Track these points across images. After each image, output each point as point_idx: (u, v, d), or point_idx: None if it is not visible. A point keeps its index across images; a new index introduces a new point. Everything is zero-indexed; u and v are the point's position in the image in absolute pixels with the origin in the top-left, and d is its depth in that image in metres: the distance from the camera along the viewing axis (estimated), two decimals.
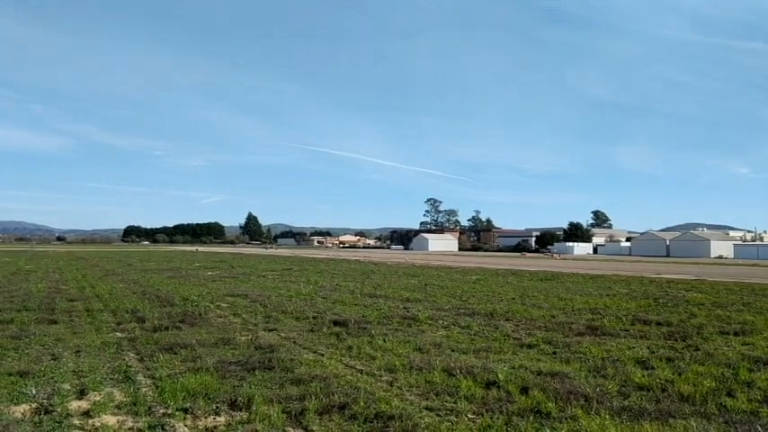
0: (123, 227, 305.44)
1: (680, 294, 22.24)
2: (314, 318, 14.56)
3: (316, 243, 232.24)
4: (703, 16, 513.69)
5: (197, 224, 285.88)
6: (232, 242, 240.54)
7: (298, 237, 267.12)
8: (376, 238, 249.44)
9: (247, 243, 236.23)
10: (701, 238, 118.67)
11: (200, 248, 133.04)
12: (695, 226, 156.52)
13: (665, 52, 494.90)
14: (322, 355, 10.11)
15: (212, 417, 6.59)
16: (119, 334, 12.14)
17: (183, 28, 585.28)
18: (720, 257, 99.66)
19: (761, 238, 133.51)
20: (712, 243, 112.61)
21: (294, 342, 11.33)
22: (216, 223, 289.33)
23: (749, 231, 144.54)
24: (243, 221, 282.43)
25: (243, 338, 11.54)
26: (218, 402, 7.04)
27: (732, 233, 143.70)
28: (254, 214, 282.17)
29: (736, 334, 12.56)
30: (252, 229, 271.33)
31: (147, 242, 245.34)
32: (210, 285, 24.80)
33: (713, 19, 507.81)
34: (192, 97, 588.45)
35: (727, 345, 11.25)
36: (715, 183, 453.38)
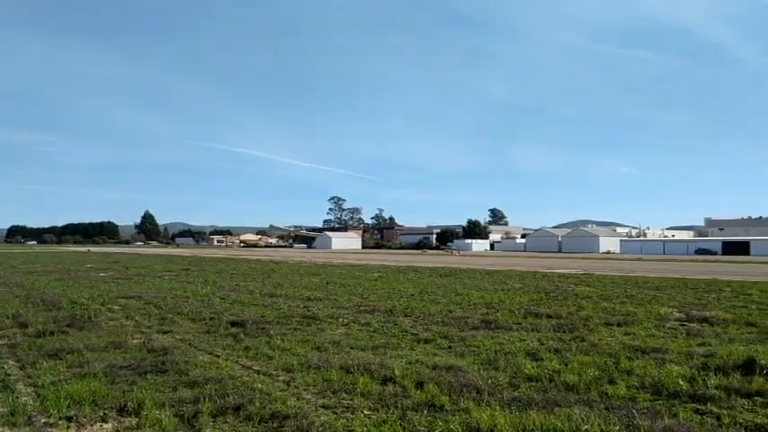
0: (7, 226, 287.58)
1: (569, 288, 23.32)
2: (211, 319, 14.23)
3: (216, 242, 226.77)
4: (593, 24, 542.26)
5: (89, 223, 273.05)
6: (127, 242, 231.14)
7: (197, 236, 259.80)
8: (278, 237, 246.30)
9: (144, 243, 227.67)
10: (590, 234, 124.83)
11: (93, 249, 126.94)
12: (585, 223, 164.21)
13: (559, 57, 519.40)
14: (218, 356, 9.90)
15: (99, 424, 6.34)
16: None
17: (77, 18, 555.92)
18: (608, 252, 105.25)
19: (645, 234, 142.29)
20: (601, 239, 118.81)
21: (189, 344, 11.04)
22: (110, 222, 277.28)
23: (634, 227, 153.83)
24: (139, 220, 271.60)
25: (135, 342, 11.12)
26: (105, 408, 6.77)
27: (619, 229, 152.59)
28: (151, 213, 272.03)
29: (619, 325, 13.29)
30: (148, 229, 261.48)
31: (33, 242, 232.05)
32: (102, 287, 23.74)
33: (602, 27, 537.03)
34: (85, 90, 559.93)
35: (610, 335, 11.88)
36: (604, 181, 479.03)
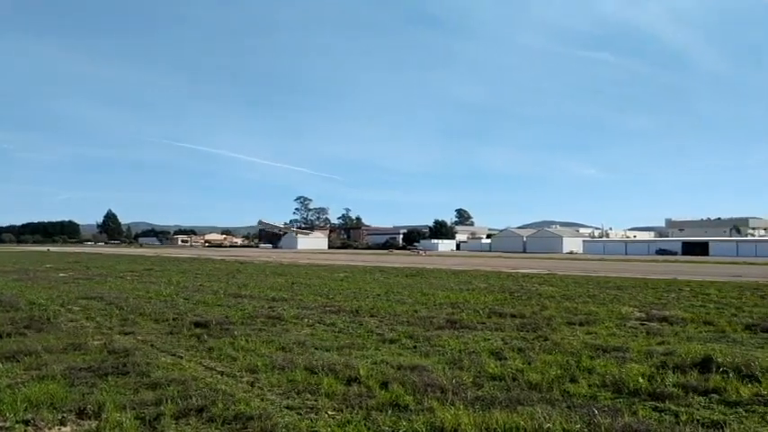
0: None
1: (533, 288, 23.58)
2: (174, 319, 14.04)
3: (180, 242, 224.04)
4: (558, 28, 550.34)
5: (49, 222, 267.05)
6: (89, 241, 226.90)
7: (161, 235, 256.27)
8: (244, 237, 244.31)
9: (106, 243, 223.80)
10: (554, 234, 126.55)
11: (53, 248, 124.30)
12: (549, 223, 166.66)
13: (526, 59, 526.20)
14: (181, 357, 9.79)
15: (57, 427, 6.22)
16: None
17: (37, 13, 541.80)
18: (571, 253, 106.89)
19: (607, 235, 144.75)
20: (564, 239, 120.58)
21: (152, 345, 10.89)
22: (71, 222, 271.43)
23: (597, 228, 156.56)
24: (101, 219, 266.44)
25: (96, 343, 10.92)
26: (64, 412, 6.64)
27: (582, 230, 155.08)
28: (114, 212, 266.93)
29: (581, 324, 13.48)
30: (111, 228, 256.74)
31: None
32: (62, 288, 23.26)
33: (567, 30, 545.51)
34: (48, 87, 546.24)
35: (572, 334, 12.04)
36: (568, 183, 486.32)
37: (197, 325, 13.11)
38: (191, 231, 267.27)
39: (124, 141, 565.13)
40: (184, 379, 8.05)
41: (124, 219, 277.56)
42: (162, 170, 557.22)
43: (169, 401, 6.88)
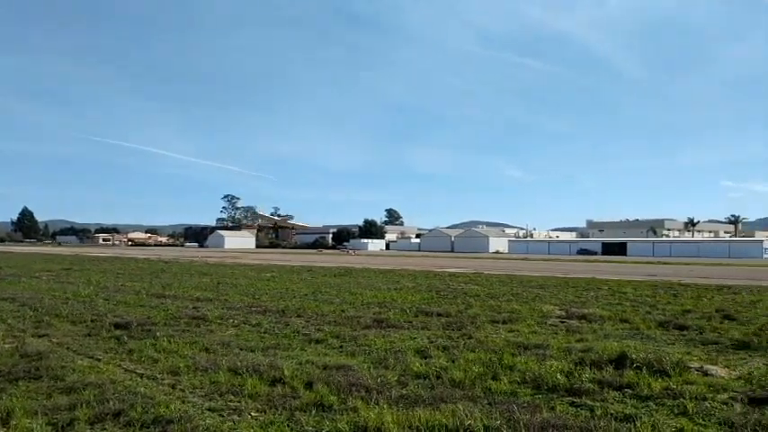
0: None
1: (460, 287, 23.94)
2: (92, 321, 13.55)
3: (101, 241, 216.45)
4: (487, 32, 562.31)
5: None
6: (2, 240, 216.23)
7: (81, 234, 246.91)
8: (169, 236, 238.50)
9: (21, 241, 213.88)
10: (480, 234, 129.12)
11: None
12: (476, 224, 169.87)
13: (452, 62, 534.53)
14: (99, 360, 9.46)
15: None
16: None
17: None
18: (497, 252, 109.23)
19: (531, 235, 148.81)
20: (491, 239, 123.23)
21: (68, 348, 10.47)
22: None
23: (522, 228, 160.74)
24: (16, 217, 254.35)
25: (6, 346, 10.44)
26: None
27: (507, 230, 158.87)
28: (30, 209, 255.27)
29: (504, 322, 13.75)
30: (26, 226, 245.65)
31: None
32: None
33: (493, 34, 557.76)
34: None
35: (496, 332, 12.28)
36: (494, 184, 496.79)
37: (117, 326, 12.69)
38: (113, 230, 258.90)
39: (42, 135, 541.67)
40: (102, 382, 7.78)
41: (41, 216, 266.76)
42: (83, 166, 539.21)
43: (84, 406, 6.64)
